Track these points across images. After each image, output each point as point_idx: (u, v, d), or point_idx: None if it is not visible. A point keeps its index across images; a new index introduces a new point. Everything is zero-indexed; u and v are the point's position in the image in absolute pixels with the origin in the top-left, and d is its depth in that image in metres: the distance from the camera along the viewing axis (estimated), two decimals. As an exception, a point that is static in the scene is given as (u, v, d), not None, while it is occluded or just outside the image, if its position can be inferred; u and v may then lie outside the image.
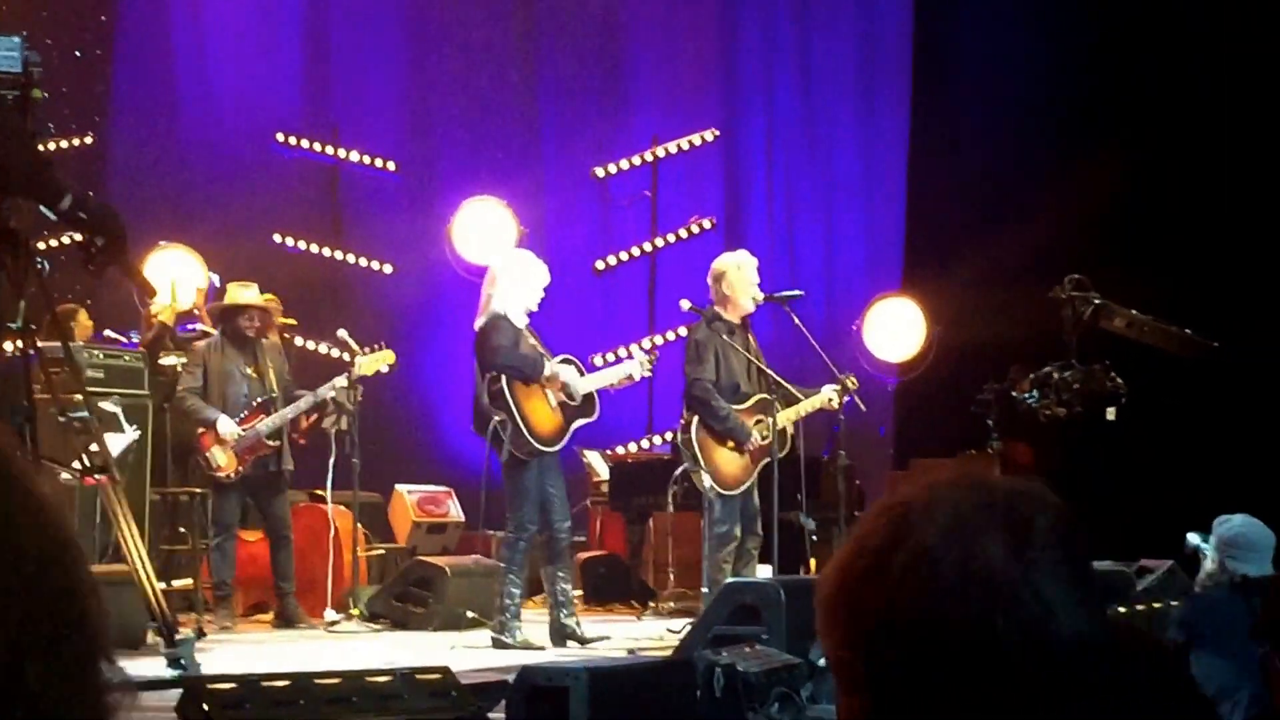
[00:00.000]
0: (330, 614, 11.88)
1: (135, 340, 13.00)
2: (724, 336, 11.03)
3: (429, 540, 13.94)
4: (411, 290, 16.71)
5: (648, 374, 11.08)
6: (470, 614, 11.34)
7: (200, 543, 12.06)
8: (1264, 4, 14.31)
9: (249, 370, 12.11)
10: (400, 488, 14.27)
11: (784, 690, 7.16)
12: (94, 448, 8.21)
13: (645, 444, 16.74)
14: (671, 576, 13.64)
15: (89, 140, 15.74)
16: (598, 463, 15.28)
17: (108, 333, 13.08)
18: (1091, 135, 14.63)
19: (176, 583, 12.02)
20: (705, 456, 10.93)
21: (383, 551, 13.68)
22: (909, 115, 16.66)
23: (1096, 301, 12.98)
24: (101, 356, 12.23)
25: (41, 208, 7.42)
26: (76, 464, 8.22)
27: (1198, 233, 14.12)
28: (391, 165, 16.90)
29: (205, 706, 5.86)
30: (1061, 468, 13.19)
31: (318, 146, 16.61)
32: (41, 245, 10.38)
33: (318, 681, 6.43)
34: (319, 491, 12.62)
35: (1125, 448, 13.31)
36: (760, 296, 11.21)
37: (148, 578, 7.99)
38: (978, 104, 15.82)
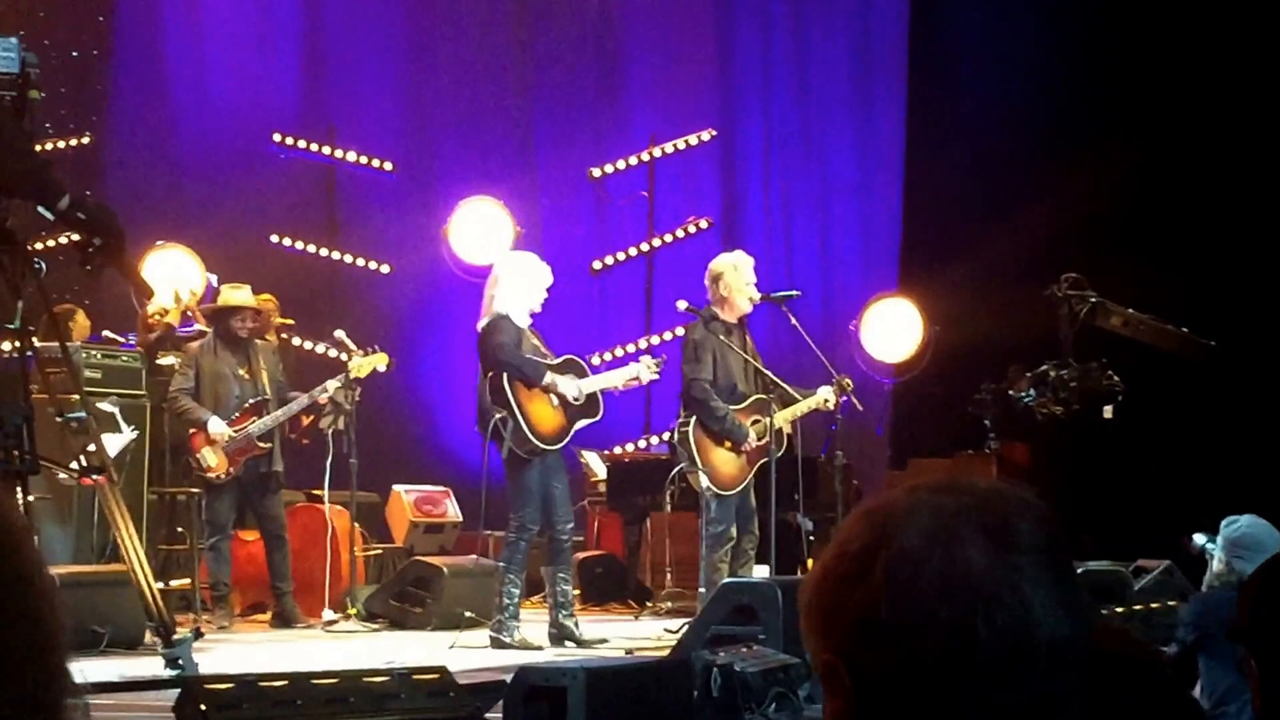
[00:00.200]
0: (328, 614, 11.88)
1: (133, 341, 13.00)
2: (721, 337, 11.03)
3: (426, 540, 13.94)
4: (408, 290, 16.72)
5: (655, 377, 11.06)
6: (468, 614, 11.33)
7: (198, 543, 12.07)
8: (1261, 2, 14.32)
9: (241, 371, 12.11)
10: (398, 488, 14.28)
11: (781, 690, 7.16)
12: (91, 448, 8.21)
13: (643, 444, 16.75)
14: (669, 576, 13.64)
15: (86, 140, 15.75)
16: (595, 463, 15.28)
17: (106, 333, 13.08)
18: (1088, 135, 14.64)
19: (174, 583, 12.04)
20: (703, 456, 10.94)
21: (380, 551, 13.69)
22: (905, 115, 16.66)
23: (1093, 300, 13.00)
24: (99, 357, 12.24)
25: (39, 208, 7.42)
26: (74, 464, 8.22)
27: (1195, 232, 14.13)
28: (388, 165, 16.90)
29: (203, 706, 5.86)
30: (1059, 468, 13.22)
31: (314, 147, 16.61)
32: (38, 245, 10.40)
33: (315, 682, 6.44)
34: (316, 492, 12.62)
35: (1122, 448, 13.32)
36: (757, 297, 11.21)
37: (145, 578, 7.98)
38: (974, 104, 15.83)
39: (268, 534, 12.09)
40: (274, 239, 16.25)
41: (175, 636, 7.96)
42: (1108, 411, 12.99)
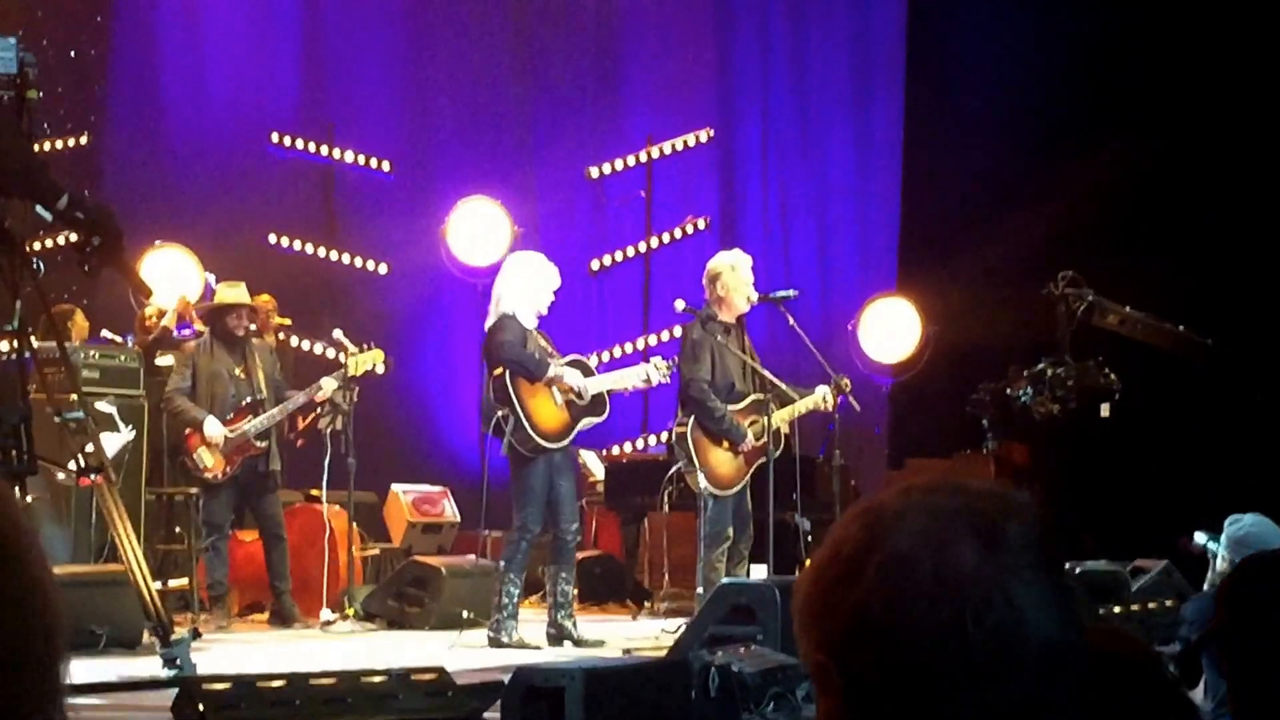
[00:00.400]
0: (326, 614, 11.88)
1: (132, 342, 13.01)
2: (719, 337, 11.03)
3: (424, 540, 13.94)
4: (406, 290, 16.71)
5: (665, 380, 11.03)
6: (466, 614, 11.34)
7: (195, 543, 12.07)
8: (1256, 2, 14.34)
9: (237, 371, 12.10)
10: (396, 487, 14.27)
11: (779, 690, 7.17)
12: (89, 448, 8.22)
13: (640, 444, 16.75)
14: (666, 576, 13.64)
15: (84, 140, 15.74)
16: (593, 463, 15.28)
17: (104, 333, 13.08)
18: (1086, 135, 14.65)
19: (172, 582, 12.05)
20: (701, 457, 10.94)
21: (378, 551, 13.69)
22: (903, 115, 16.66)
23: (1090, 298, 13.01)
24: (97, 357, 12.24)
25: (38, 208, 7.43)
26: (72, 464, 8.24)
27: (1193, 232, 14.14)
28: (386, 165, 16.90)
29: (201, 706, 5.87)
30: (1057, 468, 13.23)
31: (312, 147, 16.61)
32: (36, 245, 10.40)
33: (313, 682, 6.45)
34: (314, 491, 12.62)
35: (1119, 446, 13.33)
36: (755, 297, 11.21)
37: (143, 578, 8.00)
38: (972, 103, 15.84)
39: (265, 533, 12.09)
40: (272, 239, 16.24)
41: (173, 636, 7.97)
42: (1105, 410, 13.00)
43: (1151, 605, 10.06)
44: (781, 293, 11.74)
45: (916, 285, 16.22)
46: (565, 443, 10.64)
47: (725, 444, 10.98)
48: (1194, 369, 13.32)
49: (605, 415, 10.94)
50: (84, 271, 7.72)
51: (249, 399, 12.05)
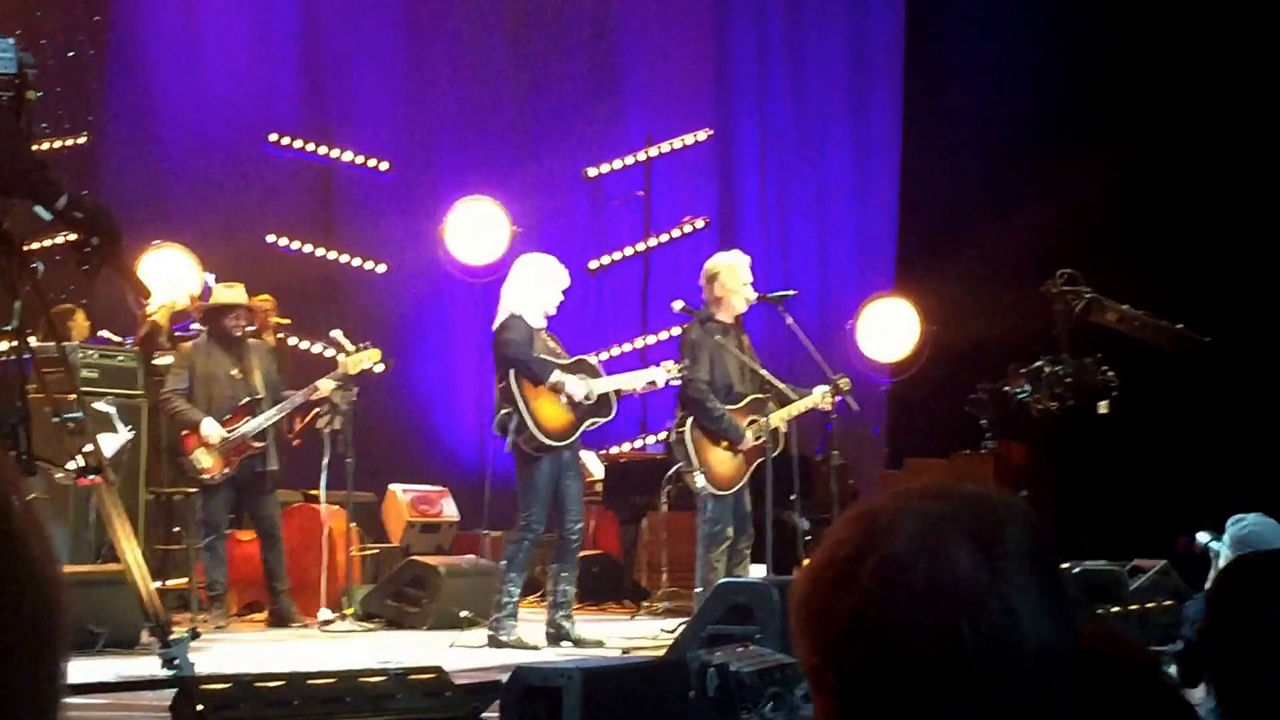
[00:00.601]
0: (324, 613, 11.88)
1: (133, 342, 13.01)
2: (717, 337, 11.03)
3: (423, 540, 13.95)
4: (405, 290, 16.72)
5: (676, 382, 11.01)
6: (464, 613, 11.35)
7: (194, 543, 12.07)
8: (1254, 1, 14.35)
9: (235, 371, 12.10)
10: (394, 487, 14.28)
11: (777, 690, 7.16)
12: (88, 448, 8.22)
13: (639, 444, 16.76)
14: (665, 576, 13.65)
15: (82, 140, 15.75)
16: (592, 462, 15.27)
17: (102, 333, 13.08)
18: (1084, 134, 14.65)
19: (170, 582, 12.04)
20: (700, 457, 10.94)
21: (376, 551, 13.70)
22: (901, 114, 16.67)
23: (1088, 295, 13.00)
24: (95, 357, 12.24)
25: (37, 208, 7.43)
26: (71, 464, 8.23)
27: (1191, 230, 14.15)
28: (384, 165, 16.91)
29: (199, 706, 5.87)
30: (1056, 467, 13.23)
31: (311, 146, 16.62)
32: (35, 245, 10.39)
33: (312, 682, 6.45)
34: (313, 491, 12.62)
35: (1117, 444, 13.32)
36: (753, 297, 11.22)
37: (142, 578, 8.00)
38: (969, 103, 15.84)
39: (262, 534, 12.09)
40: (270, 239, 16.26)
41: (172, 636, 7.97)
42: (1103, 407, 12.99)
43: (1150, 605, 10.06)
44: (779, 293, 11.75)
45: (915, 285, 16.22)
46: (571, 441, 10.62)
47: (724, 444, 10.99)
48: (1192, 367, 13.32)
49: (612, 415, 10.96)
50: (83, 272, 7.72)
51: (246, 399, 12.05)
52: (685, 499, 12.07)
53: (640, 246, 17.57)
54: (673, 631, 10.10)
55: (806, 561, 11.79)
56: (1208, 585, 7.62)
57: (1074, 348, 13.11)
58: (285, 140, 16.48)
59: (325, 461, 12.26)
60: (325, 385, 12.19)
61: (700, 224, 17.52)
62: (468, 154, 17.10)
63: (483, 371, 15.99)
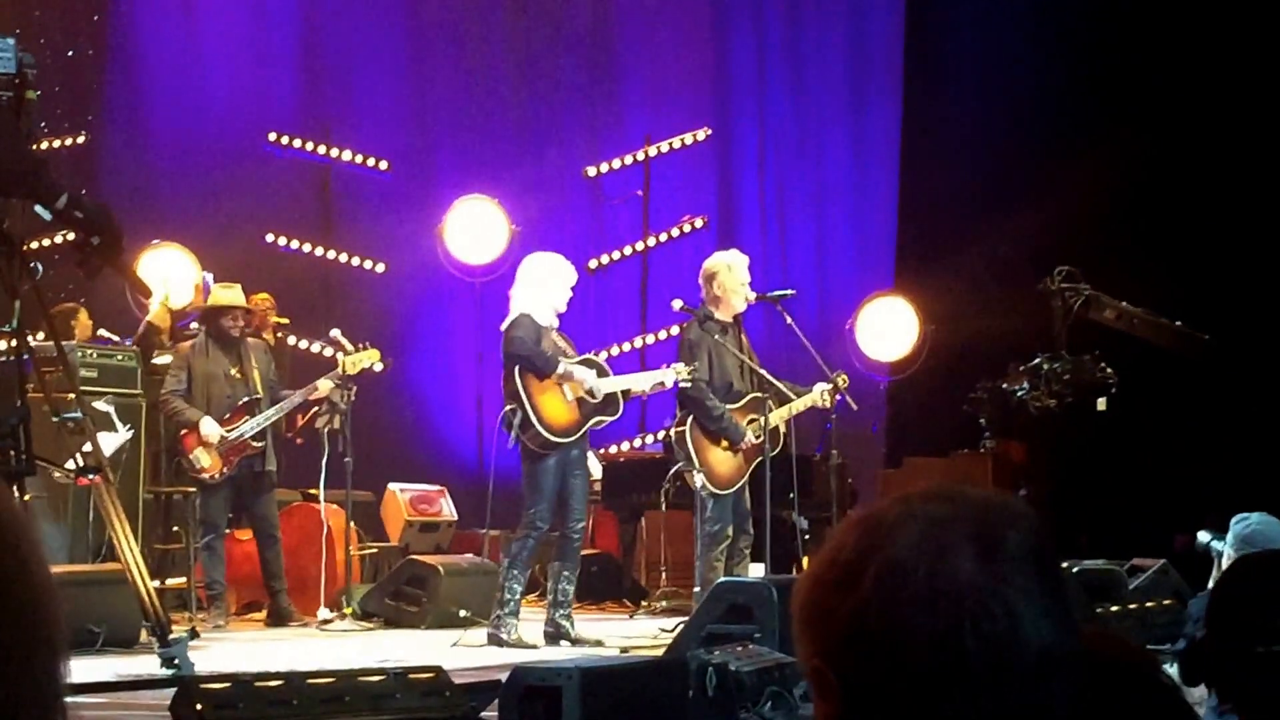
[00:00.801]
0: (323, 613, 11.89)
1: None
2: (716, 336, 11.04)
3: (421, 539, 13.94)
4: (403, 289, 16.72)
5: (686, 384, 10.98)
6: (463, 613, 11.35)
7: (194, 542, 12.07)
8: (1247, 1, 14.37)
9: (233, 371, 12.10)
10: (393, 486, 14.27)
11: (776, 689, 7.17)
12: (87, 447, 8.23)
13: (638, 443, 16.76)
14: (664, 575, 13.66)
15: (81, 139, 15.74)
16: (591, 461, 15.26)
17: (101, 332, 13.08)
18: (1082, 133, 14.66)
19: (170, 582, 12.05)
20: (699, 456, 10.94)
21: (375, 550, 13.69)
22: (900, 113, 16.67)
23: (1086, 293, 13.02)
24: (95, 356, 12.24)
25: (37, 207, 7.43)
26: (70, 464, 8.24)
27: (1190, 229, 14.15)
28: (384, 165, 16.90)
29: (199, 706, 5.88)
30: (1055, 466, 13.23)
31: (310, 146, 16.61)
32: (34, 245, 10.40)
33: (311, 681, 6.45)
34: (312, 491, 12.63)
35: (1116, 442, 13.33)
36: (752, 296, 11.22)
37: (141, 577, 8.00)
38: (969, 102, 15.85)
39: (260, 534, 12.09)
40: (269, 238, 16.25)
41: (171, 636, 7.98)
42: (1101, 404, 13.01)
43: (1149, 604, 10.06)
44: (778, 292, 11.76)
45: (914, 284, 16.23)
46: (576, 438, 10.61)
47: (724, 443, 10.99)
48: (1191, 365, 13.34)
49: (619, 415, 10.96)
50: (82, 271, 7.72)
51: (245, 399, 12.04)
52: (684, 498, 12.07)
53: (639, 246, 17.57)
54: (671, 631, 10.09)
55: (806, 562, 11.83)
56: (1210, 584, 7.63)
57: (1072, 345, 13.13)
58: (284, 140, 16.47)
59: (324, 461, 12.26)
60: (324, 385, 12.20)
61: (699, 223, 17.52)
62: (467, 153, 17.11)
63: (481, 371, 16.03)
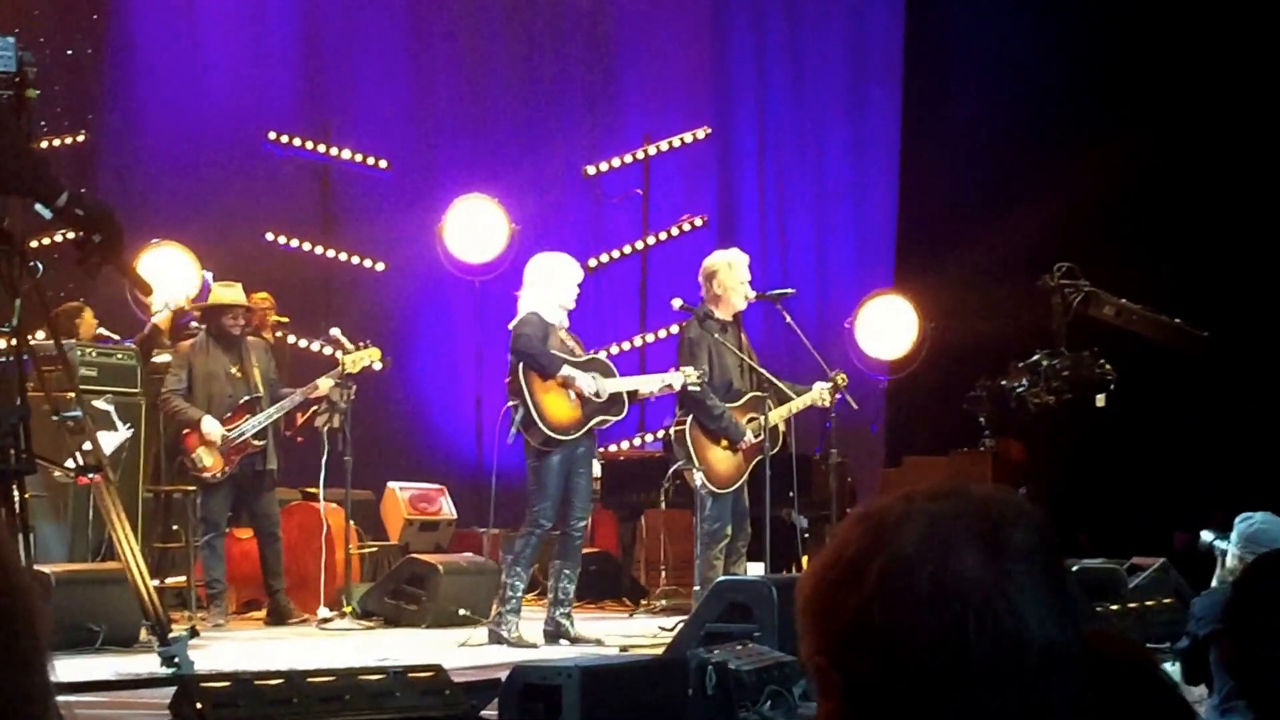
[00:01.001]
0: (323, 611, 11.89)
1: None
2: (716, 335, 11.04)
3: (421, 538, 13.95)
4: (403, 288, 16.72)
5: (695, 387, 10.97)
6: (463, 611, 11.36)
7: (193, 541, 12.08)
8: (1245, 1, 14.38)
9: (234, 370, 12.10)
10: (392, 485, 14.28)
11: (776, 688, 7.17)
12: (87, 446, 8.23)
13: (638, 442, 16.76)
14: (663, 574, 13.66)
15: (81, 138, 15.75)
16: (590, 460, 15.28)
17: (100, 330, 13.08)
18: (1081, 131, 14.67)
19: (170, 580, 12.05)
20: (699, 454, 10.95)
21: (375, 549, 13.70)
22: (900, 112, 16.67)
23: (1086, 289, 13.02)
24: (94, 355, 12.24)
25: (38, 205, 7.42)
26: (70, 463, 8.24)
27: (1189, 226, 14.16)
28: (383, 163, 16.90)
29: (199, 704, 5.88)
30: (1054, 465, 13.24)
31: (310, 145, 16.61)
32: (34, 244, 10.39)
33: (311, 680, 6.45)
34: (311, 489, 12.64)
35: (1115, 439, 13.34)
36: (752, 294, 11.22)
37: (141, 576, 8.00)
38: (968, 101, 15.85)
39: (260, 532, 12.09)
40: (269, 237, 16.25)
41: (171, 635, 7.98)
42: (1100, 400, 13.01)
43: (1149, 603, 10.06)
44: (778, 290, 11.77)
45: (914, 282, 16.23)
46: (580, 436, 10.60)
47: (723, 442, 10.99)
48: (1190, 362, 13.34)
49: (623, 415, 10.96)
50: (83, 269, 7.72)
51: (246, 398, 12.05)
52: (683, 497, 12.07)
53: (639, 244, 17.57)
54: (671, 629, 10.10)
55: (806, 561, 11.83)
56: (1214, 583, 7.62)
57: (1071, 342, 13.13)
58: (284, 138, 16.47)
59: (324, 459, 12.27)
60: (325, 383, 12.21)
61: (699, 222, 17.51)
62: (467, 152, 17.10)
63: (481, 370, 16.03)
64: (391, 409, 15.88)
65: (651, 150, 17.59)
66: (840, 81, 17.41)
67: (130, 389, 12.29)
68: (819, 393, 11.27)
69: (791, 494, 11.46)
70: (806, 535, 12.01)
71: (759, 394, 11.10)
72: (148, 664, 8.18)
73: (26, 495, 7.38)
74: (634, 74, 17.92)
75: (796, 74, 17.67)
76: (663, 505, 13.11)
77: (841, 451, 12.09)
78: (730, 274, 11.12)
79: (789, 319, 11.36)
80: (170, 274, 13.67)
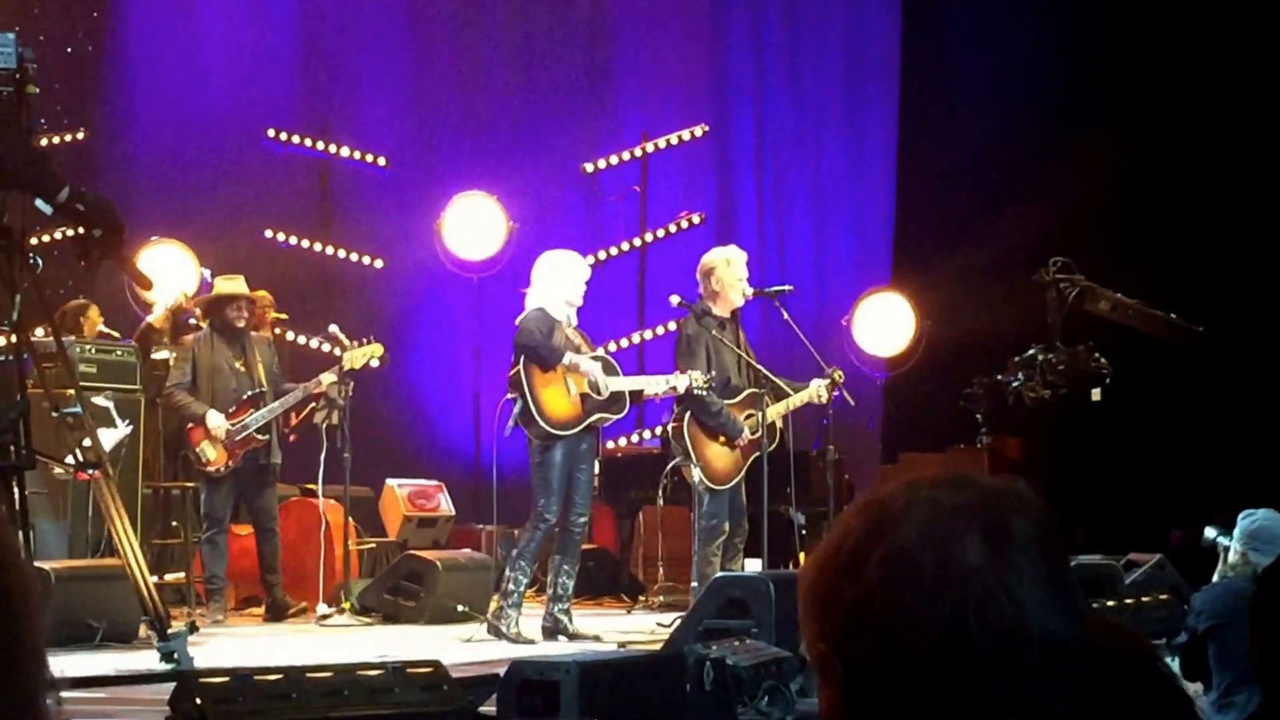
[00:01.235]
0: (322, 608, 11.91)
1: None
2: (714, 332, 11.05)
3: (419, 534, 13.96)
4: (402, 285, 16.74)
5: (701, 389, 10.96)
6: (461, 607, 11.37)
7: (192, 537, 12.09)
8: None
9: (238, 364, 12.12)
10: (391, 482, 14.29)
11: (773, 683, 7.19)
12: (87, 443, 8.25)
13: (636, 438, 16.77)
14: (661, 570, 13.67)
15: (81, 135, 15.75)
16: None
17: (100, 328, 13.09)
18: (1078, 129, 14.68)
19: (169, 577, 12.07)
20: (697, 451, 10.96)
21: (374, 545, 13.71)
22: (897, 109, 16.69)
23: (1081, 284, 13.04)
24: (94, 351, 12.25)
25: (38, 201, 7.44)
26: (70, 459, 8.26)
27: (1184, 223, 14.18)
28: (382, 160, 16.91)
29: (198, 700, 5.89)
30: (1051, 461, 13.26)
31: (309, 142, 16.62)
32: (34, 241, 10.41)
33: (310, 675, 6.46)
34: (310, 486, 12.65)
35: (1112, 439, 13.36)
36: (749, 291, 11.23)
37: (140, 572, 8.02)
38: (966, 98, 15.87)
39: (258, 526, 12.10)
40: (268, 234, 16.26)
41: (170, 630, 8.00)
42: (1096, 394, 13.03)
43: (1145, 599, 10.07)
44: (776, 287, 11.78)
45: (911, 279, 16.24)
46: (581, 431, 10.60)
47: (721, 438, 11.01)
48: (1185, 357, 13.36)
49: (624, 413, 10.97)
50: (83, 265, 7.74)
51: (250, 393, 12.06)
52: (681, 493, 12.08)
53: (637, 242, 17.57)
54: (669, 625, 10.11)
55: (803, 555, 11.85)
56: (1215, 578, 7.64)
57: (1067, 337, 13.15)
58: (283, 135, 16.48)
59: (323, 456, 12.28)
60: (327, 379, 12.22)
61: (697, 219, 17.52)
62: (465, 149, 17.11)
63: (479, 366, 16.04)
64: (390, 405, 15.89)
65: (649, 148, 17.59)
66: (838, 80, 17.42)
67: (130, 385, 12.30)
68: (816, 389, 11.28)
69: (789, 490, 11.48)
70: (804, 531, 12.03)
71: (757, 391, 11.12)
72: (147, 660, 8.19)
73: (26, 491, 7.41)
74: (632, 72, 17.92)
75: (794, 71, 17.68)
76: (661, 501, 13.11)
77: (839, 448, 12.10)
78: (728, 271, 11.13)
79: (786, 316, 11.37)
80: (169, 272, 13.68)
